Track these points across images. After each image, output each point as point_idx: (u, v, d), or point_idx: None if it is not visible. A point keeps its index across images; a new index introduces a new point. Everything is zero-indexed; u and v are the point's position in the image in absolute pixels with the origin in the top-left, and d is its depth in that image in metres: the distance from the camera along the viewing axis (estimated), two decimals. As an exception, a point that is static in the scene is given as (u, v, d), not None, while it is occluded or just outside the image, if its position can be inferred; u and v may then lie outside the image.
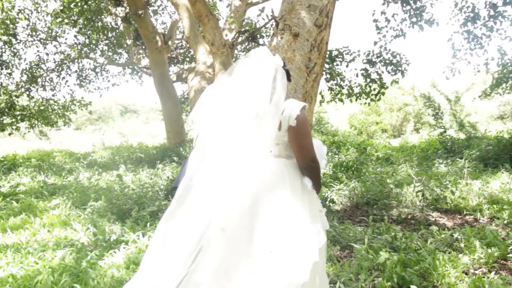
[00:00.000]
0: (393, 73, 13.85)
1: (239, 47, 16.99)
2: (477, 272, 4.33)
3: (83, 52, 18.09)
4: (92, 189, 9.06)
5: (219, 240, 2.45)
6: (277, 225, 2.50)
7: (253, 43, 14.70)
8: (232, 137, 2.57)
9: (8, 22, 15.60)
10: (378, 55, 13.75)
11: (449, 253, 4.78)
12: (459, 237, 5.17)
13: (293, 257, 2.44)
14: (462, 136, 13.62)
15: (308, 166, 2.71)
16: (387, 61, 13.74)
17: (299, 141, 2.69)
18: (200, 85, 6.88)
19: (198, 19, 6.34)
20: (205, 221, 2.50)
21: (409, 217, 6.55)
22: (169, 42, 15.71)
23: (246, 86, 2.64)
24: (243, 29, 7.30)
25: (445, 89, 16.51)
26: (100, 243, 5.37)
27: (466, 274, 4.31)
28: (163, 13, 18.25)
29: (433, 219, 6.50)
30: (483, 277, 4.10)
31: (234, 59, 16.76)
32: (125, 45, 18.32)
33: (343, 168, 10.39)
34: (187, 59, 17.90)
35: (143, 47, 15.96)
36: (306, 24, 5.12)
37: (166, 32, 15.91)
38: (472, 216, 6.66)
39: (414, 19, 12.99)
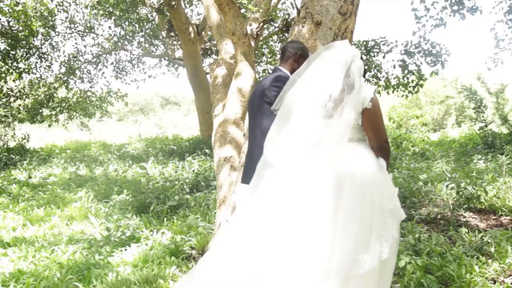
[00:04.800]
0: (433, 64, 13.31)
1: (275, 37, 16.68)
2: (506, 280, 3.97)
3: (119, 44, 18.16)
4: (119, 182, 9.01)
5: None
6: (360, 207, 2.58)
7: (287, 34, 14.41)
8: (309, 119, 2.75)
9: (46, 14, 15.75)
10: (417, 45, 13.24)
11: (477, 258, 4.41)
12: (489, 240, 4.78)
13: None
14: (504, 130, 12.96)
15: (382, 147, 2.79)
16: (426, 52, 13.21)
17: (374, 123, 2.78)
18: (222, 76, 6.68)
19: (219, 7, 6.13)
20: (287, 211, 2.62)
21: (438, 216, 6.16)
22: (203, 33, 15.59)
23: (323, 72, 2.85)
24: (268, 19, 7.02)
25: (488, 81, 15.78)
26: (113, 238, 5.25)
27: (495, 281, 3.96)
28: (198, 3, 18.12)
29: (465, 219, 6.08)
30: (512, 286, 3.77)
31: (266, 48, 16.55)
32: (161, 37, 18.30)
33: (375, 163, 9.94)
34: (221, 50, 17.70)
35: (177, 38, 15.89)
36: (330, 11, 4.81)
37: (199, 23, 15.79)
38: (508, 217, 6.21)
39: (455, 7, 12.37)
